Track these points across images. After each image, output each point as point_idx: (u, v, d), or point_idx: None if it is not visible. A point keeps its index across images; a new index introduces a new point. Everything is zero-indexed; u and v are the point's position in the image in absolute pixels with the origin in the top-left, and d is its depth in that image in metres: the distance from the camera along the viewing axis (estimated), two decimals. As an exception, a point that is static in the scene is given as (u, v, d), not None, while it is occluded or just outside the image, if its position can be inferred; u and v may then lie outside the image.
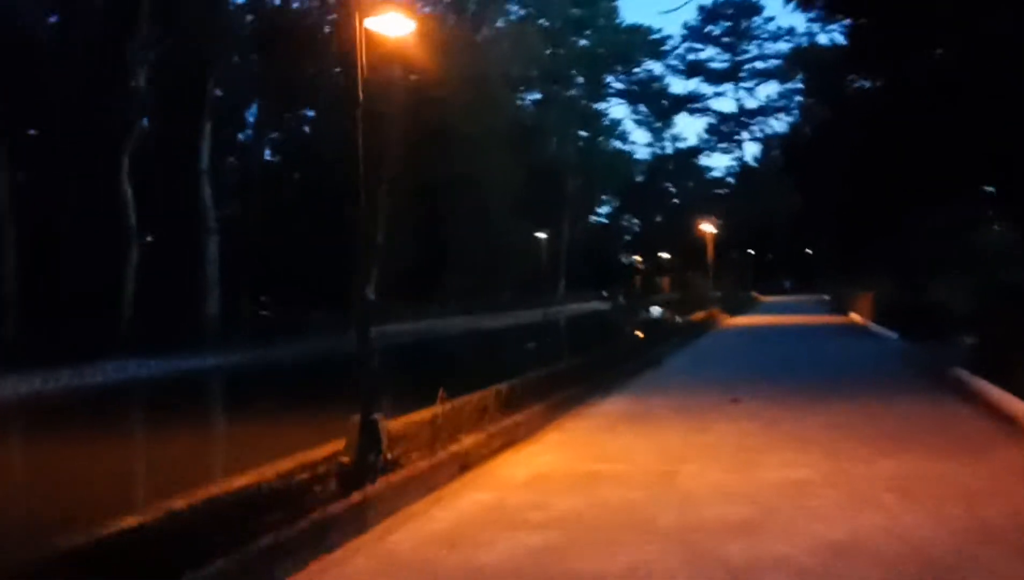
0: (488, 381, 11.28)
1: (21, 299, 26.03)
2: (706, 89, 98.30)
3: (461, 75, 58.50)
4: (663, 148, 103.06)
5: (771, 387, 15.25)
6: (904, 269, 38.08)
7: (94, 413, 18.61)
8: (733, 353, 23.67)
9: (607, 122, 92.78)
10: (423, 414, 8.89)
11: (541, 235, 69.01)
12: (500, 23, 68.36)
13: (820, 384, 15.78)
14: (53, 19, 33.35)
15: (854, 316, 41.07)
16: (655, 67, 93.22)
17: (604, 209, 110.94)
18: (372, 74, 8.88)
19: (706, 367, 19.48)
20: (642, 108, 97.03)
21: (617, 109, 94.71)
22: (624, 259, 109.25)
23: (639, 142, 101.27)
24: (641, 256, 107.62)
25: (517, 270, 70.12)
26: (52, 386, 20.95)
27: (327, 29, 48.45)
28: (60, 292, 26.64)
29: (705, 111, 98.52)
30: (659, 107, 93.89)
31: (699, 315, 39.88)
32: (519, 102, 72.66)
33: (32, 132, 30.99)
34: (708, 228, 51.77)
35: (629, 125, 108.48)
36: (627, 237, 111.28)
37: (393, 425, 7.99)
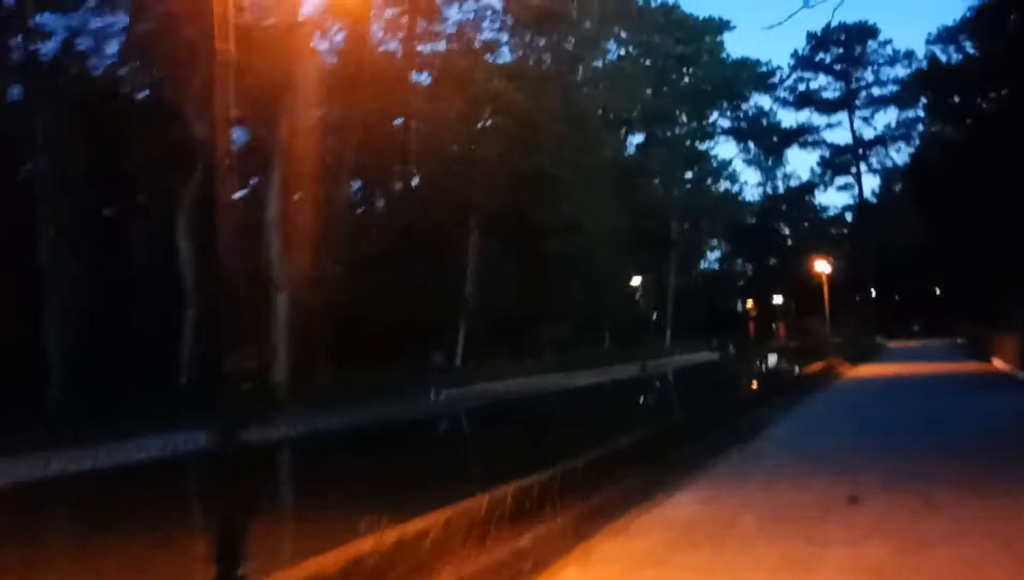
0: (519, 466, 8.43)
1: (69, 363, 24.46)
2: (818, 120, 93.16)
3: (559, 116, 56.36)
4: (775, 187, 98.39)
5: (906, 469, 11.42)
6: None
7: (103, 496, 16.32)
8: (854, 415, 19.65)
9: (715, 163, 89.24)
10: (351, 550, 5.76)
11: (636, 281, 65.38)
12: (599, 63, 66.03)
13: (976, 462, 11.84)
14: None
15: (997, 362, 36.46)
16: (764, 101, 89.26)
17: (715, 254, 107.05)
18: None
19: (819, 436, 15.82)
20: (751, 145, 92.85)
21: (725, 148, 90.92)
22: (738, 306, 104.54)
23: (750, 182, 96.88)
24: (754, 302, 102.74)
25: (620, 319, 66.93)
26: (88, 465, 18.82)
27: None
28: (110, 357, 24.93)
29: (818, 144, 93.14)
30: (769, 143, 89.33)
31: (816, 366, 35.95)
32: (621, 143, 69.89)
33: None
34: (823, 267, 47.53)
35: (738, 164, 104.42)
36: (740, 282, 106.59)
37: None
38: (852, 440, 15.02)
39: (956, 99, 40.95)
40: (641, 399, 33.94)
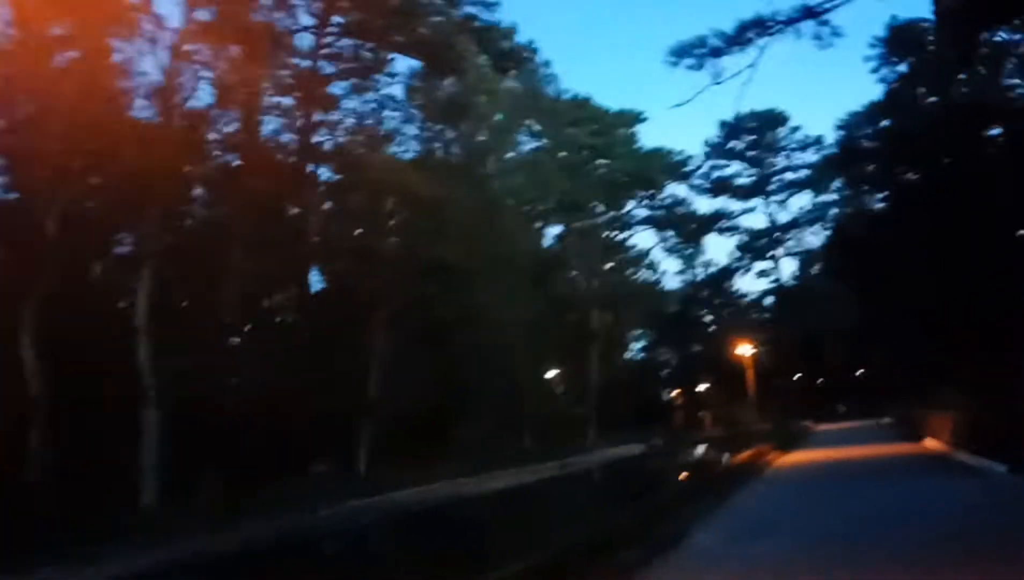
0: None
1: None
2: (734, 206, 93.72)
3: (469, 207, 54.60)
4: (695, 275, 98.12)
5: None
6: (1000, 379, 32.24)
7: None
8: (787, 514, 17.18)
9: (634, 253, 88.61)
10: None
11: (555, 375, 63.04)
12: (511, 154, 64.89)
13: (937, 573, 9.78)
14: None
15: (929, 443, 34.79)
16: (680, 189, 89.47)
17: (639, 344, 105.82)
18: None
19: (750, 545, 13.45)
20: (670, 234, 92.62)
21: (644, 237, 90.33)
22: (664, 396, 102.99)
23: (670, 271, 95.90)
24: (681, 391, 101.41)
25: (541, 415, 64.45)
26: None
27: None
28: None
29: (735, 229, 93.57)
30: (687, 230, 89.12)
31: (744, 455, 33.90)
32: (538, 235, 68.43)
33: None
34: (746, 350, 45.79)
35: (658, 253, 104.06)
36: (665, 371, 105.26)
37: None
38: (789, 548, 12.63)
39: (871, 169, 40.74)
40: (553, 505, 31.00)
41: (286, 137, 43.42)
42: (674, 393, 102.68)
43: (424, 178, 50.59)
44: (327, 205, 47.73)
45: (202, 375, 30.99)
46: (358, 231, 46.09)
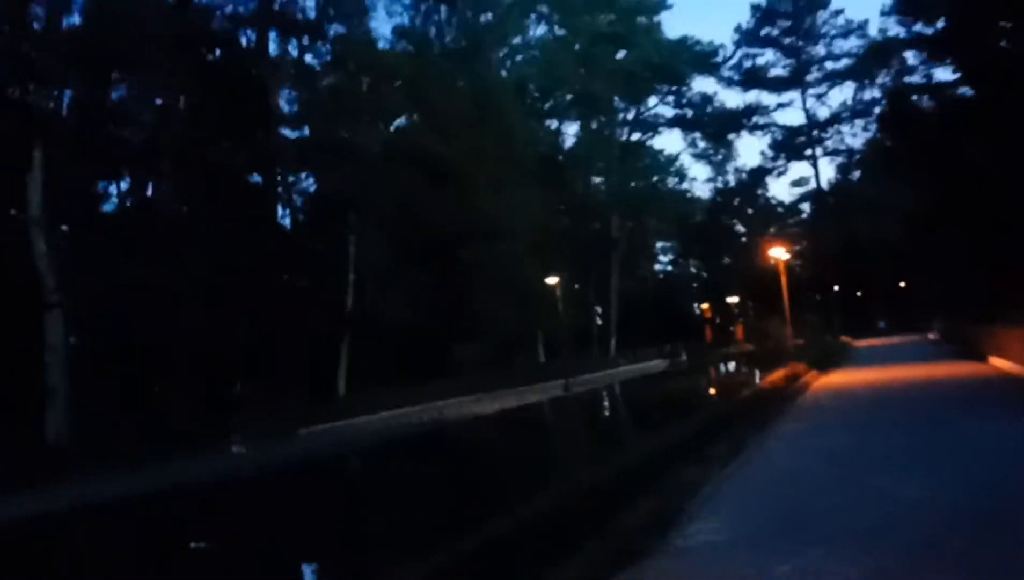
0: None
1: None
2: (768, 100, 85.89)
3: (469, 96, 48.73)
4: (726, 182, 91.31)
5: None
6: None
7: None
8: (838, 476, 11.68)
9: (661, 158, 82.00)
10: None
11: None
12: (518, 40, 58.59)
13: None
14: None
15: (998, 362, 29.16)
16: (708, 85, 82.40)
17: (667, 256, 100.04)
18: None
19: (777, 548, 8.13)
20: (698, 139, 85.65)
21: (670, 140, 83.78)
22: (694, 310, 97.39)
23: (700, 178, 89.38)
24: (710, 304, 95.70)
25: (556, 330, 59.39)
26: None
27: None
28: None
29: (768, 127, 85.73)
30: (716, 129, 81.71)
31: (777, 375, 28.42)
32: (551, 133, 62.22)
33: None
34: (779, 254, 39.89)
35: (686, 159, 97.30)
36: (694, 284, 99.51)
37: None
38: (841, 557, 7.24)
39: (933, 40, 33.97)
40: (513, 448, 25.14)
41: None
42: (704, 306, 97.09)
43: (415, 61, 44.84)
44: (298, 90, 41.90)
45: (128, 284, 25.89)
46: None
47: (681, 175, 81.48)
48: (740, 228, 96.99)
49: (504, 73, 54.78)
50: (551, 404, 38.29)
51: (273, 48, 39.77)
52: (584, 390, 44.66)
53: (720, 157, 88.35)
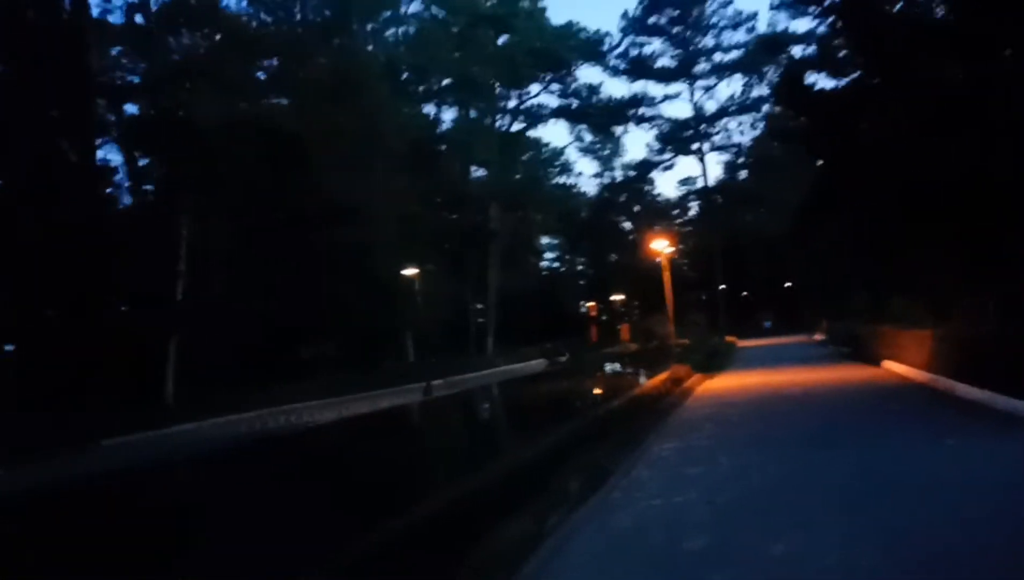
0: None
1: None
2: (656, 91, 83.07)
3: (330, 80, 44.34)
4: (613, 177, 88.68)
5: None
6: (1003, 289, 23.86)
7: None
8: (728, 536, 8.07)
9: (546, 151, 78.74)
10: None
11: (407, 272, 53.33)
12: (388, 14, 54.24)
13: None
14: None
15: (894, 366, 26.49)
16: (594, 75, 79.33)
17: (553, 253, 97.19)
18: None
19: None
20: (584, 130, 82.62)
21: (557, 133, 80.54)
22: (579, 307, 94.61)
23: (586, 173, 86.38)
24: (596, 302, 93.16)
25: (427, 327, 55.41)
26: None
27: None
28: None
29: (655, 119, 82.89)
30: (601, 119, 78.53)
31: (657, 380, 25.06)
32: (425, 118, 57.91)
33: None
34: (663, 247, 36.54)
35: (573, 153, 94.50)
36: (581, 282, 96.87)
37: None
38: None
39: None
40: (349, 469, 20.61)
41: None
42: (590, 305, 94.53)
43: (266, 29, 40.22)
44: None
45: None
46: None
47: (566, 169, 78.51)
48: (627, 225, 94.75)
49: (372, 49, 50.34)
50: (404, 411, 34.19)
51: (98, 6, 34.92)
52: (449, 394, 40.73)
53: (607, 151, 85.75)
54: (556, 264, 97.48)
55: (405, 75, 55.19)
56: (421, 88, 57.79)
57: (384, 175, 47.53)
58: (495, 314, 64.86)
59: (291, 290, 39.65)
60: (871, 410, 17.09)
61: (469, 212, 60.51)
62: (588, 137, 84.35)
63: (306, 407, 32.97)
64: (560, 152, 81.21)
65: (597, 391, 34.59)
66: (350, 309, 44.45)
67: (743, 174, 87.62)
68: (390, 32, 54.65)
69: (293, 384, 36.38)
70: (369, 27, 50.81)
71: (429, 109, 60.47)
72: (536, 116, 72.00)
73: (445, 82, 59.07)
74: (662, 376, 26.26)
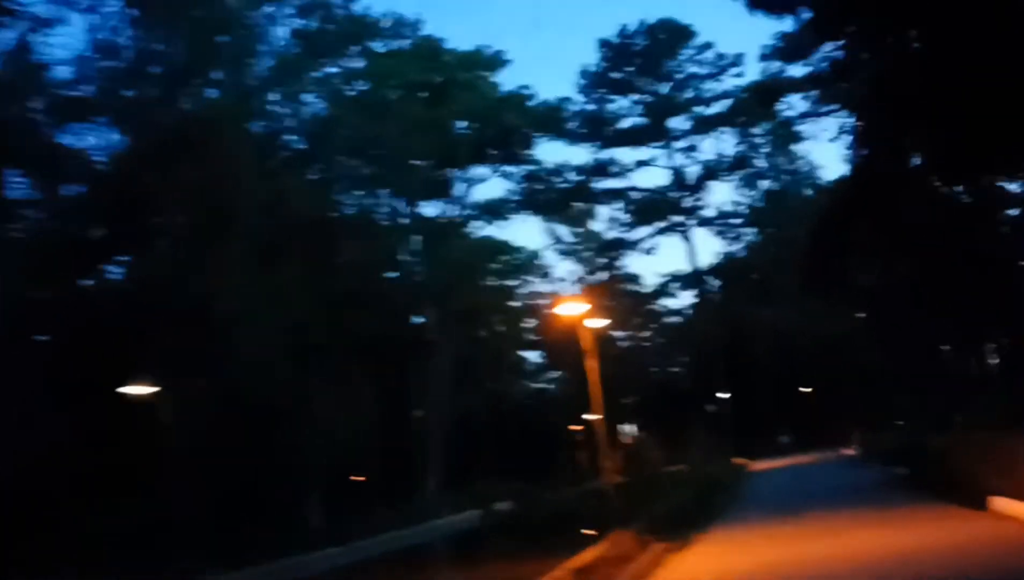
0: None
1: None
2: (624, 157, 69.62)
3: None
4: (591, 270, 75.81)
5: None
6: None
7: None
8: None
9: (518, 257, 66.64)
10: None
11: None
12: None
13: None
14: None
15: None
16: (553, 152, 66.86)
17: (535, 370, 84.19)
18: None
19: None
20: (555, 226, 70.62)
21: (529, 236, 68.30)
22: (562, 430, 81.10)
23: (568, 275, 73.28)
24: (583, 423, 79.62)
25: (344, 471, 42.48)
26: None
27: None
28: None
29: (625, 192, 69.24)
30: (559, 198, 64.97)
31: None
32: (325, 200, 45.74)
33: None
34: (572, 311, 21.37)
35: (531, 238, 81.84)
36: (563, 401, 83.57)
37: None
38: None
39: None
40: None
41: None
42: (576, 426, 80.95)
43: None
44: None
45: None
46: None
47: (529, 268, 66.14)
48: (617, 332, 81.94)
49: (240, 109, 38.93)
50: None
51: None
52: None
53: (582, 245, 73.34)
54: (540, 383, 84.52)
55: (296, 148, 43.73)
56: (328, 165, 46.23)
57: (265, 262, 35.74)
58: (440, 447, 51.61)
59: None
60: None
61: (400, 320, 48.15)
62: (563, 232, 72.60)
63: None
64: (534, 254, 68.52)
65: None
66: (213, 456, 31.53)
67: (738, 249, 74.39)
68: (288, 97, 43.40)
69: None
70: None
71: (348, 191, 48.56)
72: (487, 205, 59.73)
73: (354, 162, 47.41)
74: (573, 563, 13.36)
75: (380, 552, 33.42)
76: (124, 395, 28.67)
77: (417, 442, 50.63)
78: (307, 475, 39.68)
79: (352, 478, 44.88)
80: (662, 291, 74.03)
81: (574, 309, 18.04)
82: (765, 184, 69.79)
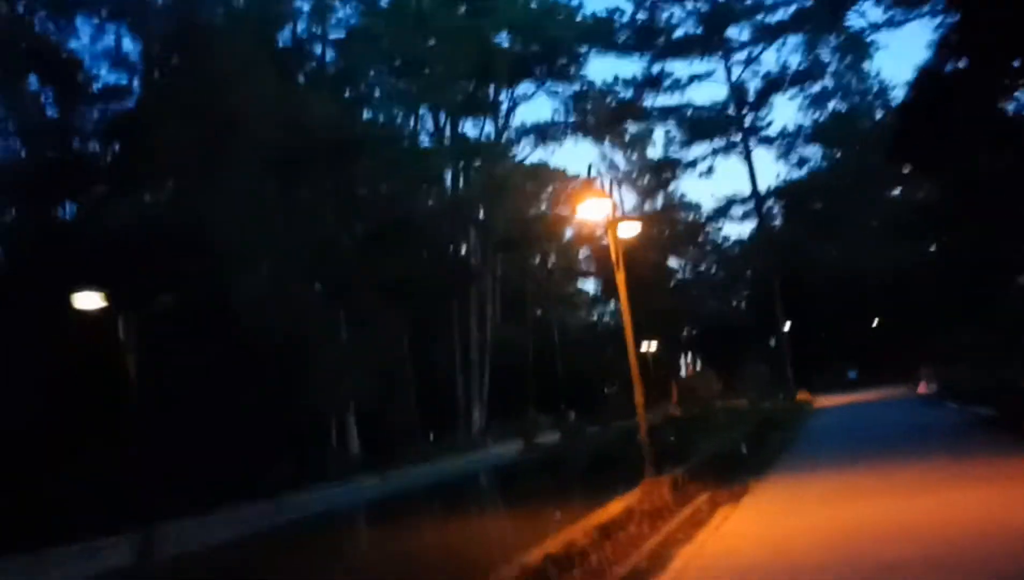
0: None
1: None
2: (678, 70, 64.24)
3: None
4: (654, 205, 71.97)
5: None
6: None
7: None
8: None
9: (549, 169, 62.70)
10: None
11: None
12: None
13: None
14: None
15: None
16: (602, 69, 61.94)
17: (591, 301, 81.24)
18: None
19: None
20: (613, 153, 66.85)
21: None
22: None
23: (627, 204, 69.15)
24: (641, 354, 76.67)
25: (381, 401, 40.35)
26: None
27: None
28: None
29: (680, 109, 64.22)
30: (607, 115, 60.75)
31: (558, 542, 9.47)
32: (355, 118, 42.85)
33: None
34: (597, 212, 18.22)
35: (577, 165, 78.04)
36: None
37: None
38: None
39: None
40: None
41: None
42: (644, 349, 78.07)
43: None
44: None
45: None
46: None
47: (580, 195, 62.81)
48: (673, 262, 78.45)
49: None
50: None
51: None
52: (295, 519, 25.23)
53: (631, 169, 69.59)
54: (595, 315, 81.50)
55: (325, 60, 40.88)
56: (362, 82, 43.28)
57: (284, 184, 33.37)
58: (487, 380, 49.36)
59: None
60: None
61: (433, 246, 45.54)
62: (616, 157, 68.80)
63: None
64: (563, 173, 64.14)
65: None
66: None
67: (801, 175, 69.45)
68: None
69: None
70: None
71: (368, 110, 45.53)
72: (536, 129, 56.13)
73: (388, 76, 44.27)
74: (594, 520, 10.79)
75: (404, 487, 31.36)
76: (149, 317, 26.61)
77: (461, 373, 48.35)
78: (342, 406, 37.79)
79: (389, 410, 42.82)
80: (721, 212, 69.71)
81: (598, 209, 14.91)
82: (832, 104, 64.88)
